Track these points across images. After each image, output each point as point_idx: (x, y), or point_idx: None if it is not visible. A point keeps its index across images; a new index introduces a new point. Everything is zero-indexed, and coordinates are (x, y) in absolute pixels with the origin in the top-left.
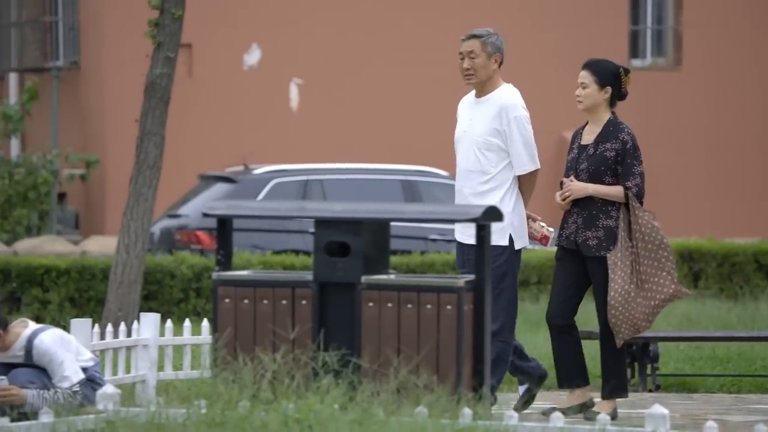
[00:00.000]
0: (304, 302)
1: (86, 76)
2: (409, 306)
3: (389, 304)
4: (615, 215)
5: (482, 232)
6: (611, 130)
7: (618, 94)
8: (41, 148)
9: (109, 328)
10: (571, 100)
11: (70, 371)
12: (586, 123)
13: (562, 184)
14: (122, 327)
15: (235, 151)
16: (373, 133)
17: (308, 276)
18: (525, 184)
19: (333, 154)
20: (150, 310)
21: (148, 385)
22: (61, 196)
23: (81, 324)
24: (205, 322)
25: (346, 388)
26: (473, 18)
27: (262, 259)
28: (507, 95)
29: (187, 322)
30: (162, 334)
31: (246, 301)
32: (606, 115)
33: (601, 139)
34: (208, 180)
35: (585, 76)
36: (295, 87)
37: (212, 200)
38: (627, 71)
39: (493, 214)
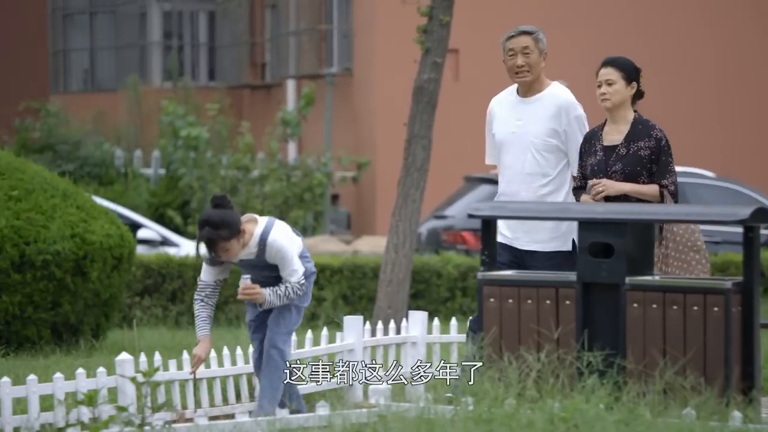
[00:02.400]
0: (567, 302)
1: (358, 82)
2: (675, 307)
3: (654, 306)
4: None
5: (750, 234)
6: (641, 128)
7: (638, 92)
8: (316, 151)
9: (380, 325)
10: None
11: (298, 265)
12: (604, 123)
13: (585, 187)
14: (392, 324)
15: None
16: None
17: (572, 276)
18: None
19: None
20: (418, 308)
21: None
22: (334, 198)
23: (353, 321)
24: None
25: (611, 388)
26: (736, 20)
27: None
28: (563, 94)
29: (453, 321)
30: (429, 331)
31: (510, 300)
32: (631, 114)
33: (632, 138)
34: (473, 182)
35: (610, 73)
36: None
37: (477, 201)
38: (639, 70)
39: (762, 215)
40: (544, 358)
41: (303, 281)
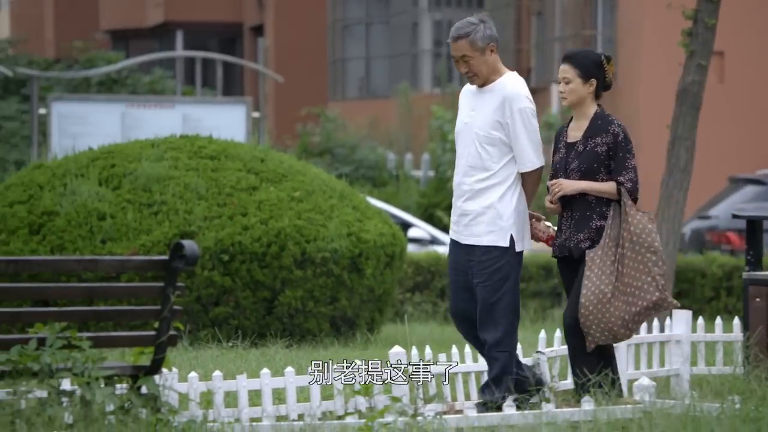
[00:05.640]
0: None
1: (623, 85)
2: None
3: None
4: (609, 215)
5: None
6: (599, 123)
7: (603, 85)
8: None
9: (644, 323)
10: None
11: None
12: (571, 119)
13: (549, 189)
14: (655, 323)
15: (765, 154)
16: None
17: None
18: (529, 181)
19: None
20: (682, 307)
21: (681, 378)
22: None
23: None
24: (736, 320)
25: None
26: None
27: None
28: (511, 85)
29: (718, 320)
30: (694, 330)
31: None
32: (592, 109)
33: (590, 134)
34: (738, 182)
35: (567, 71)
36: None
37: (742, 202)
38: (609, 59)
39: None
40: None
41: None
